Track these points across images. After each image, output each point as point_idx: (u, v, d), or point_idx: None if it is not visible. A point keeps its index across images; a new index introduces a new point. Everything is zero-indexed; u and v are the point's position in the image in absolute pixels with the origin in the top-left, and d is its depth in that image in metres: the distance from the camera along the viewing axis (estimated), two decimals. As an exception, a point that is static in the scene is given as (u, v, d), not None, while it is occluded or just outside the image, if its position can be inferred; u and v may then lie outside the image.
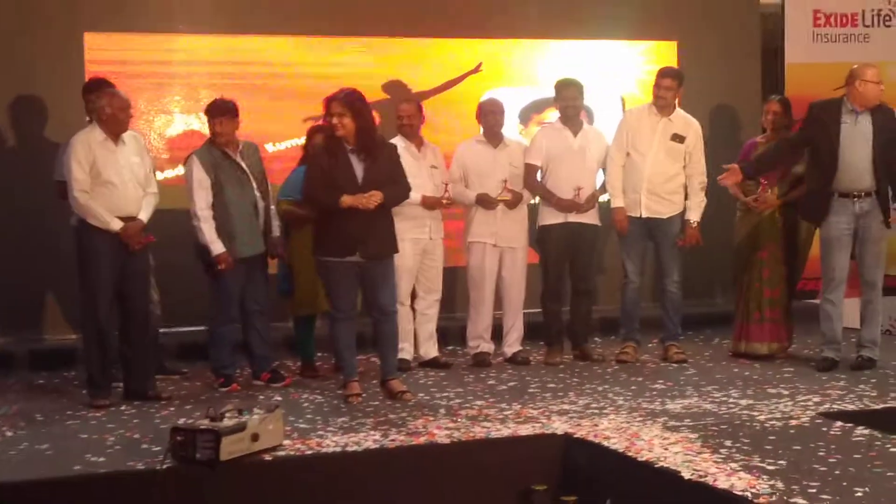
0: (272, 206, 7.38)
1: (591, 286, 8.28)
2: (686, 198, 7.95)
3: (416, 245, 7.73)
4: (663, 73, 8.04)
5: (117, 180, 6.69)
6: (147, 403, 6.74)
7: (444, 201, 7.77)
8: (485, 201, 7.85)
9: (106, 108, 6.72)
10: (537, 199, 8.11)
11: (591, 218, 7.99)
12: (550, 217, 7.96)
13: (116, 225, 6.66)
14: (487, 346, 8.04)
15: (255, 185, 7.22)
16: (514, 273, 8.01)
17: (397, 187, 6.77)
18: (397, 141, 7.59)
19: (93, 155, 6.65)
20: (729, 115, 9.84)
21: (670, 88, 7.92)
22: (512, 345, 8.08)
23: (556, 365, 7.86)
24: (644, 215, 7.89)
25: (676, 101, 8.06)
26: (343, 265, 6.62)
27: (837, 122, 7.30)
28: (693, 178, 7.93)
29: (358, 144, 6.63)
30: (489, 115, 7.97)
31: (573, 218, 7.91)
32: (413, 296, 7.92)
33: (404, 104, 7.96)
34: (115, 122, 6.73)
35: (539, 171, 8.00)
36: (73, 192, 6.65)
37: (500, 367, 7.88)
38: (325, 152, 6.70)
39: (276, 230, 7.40)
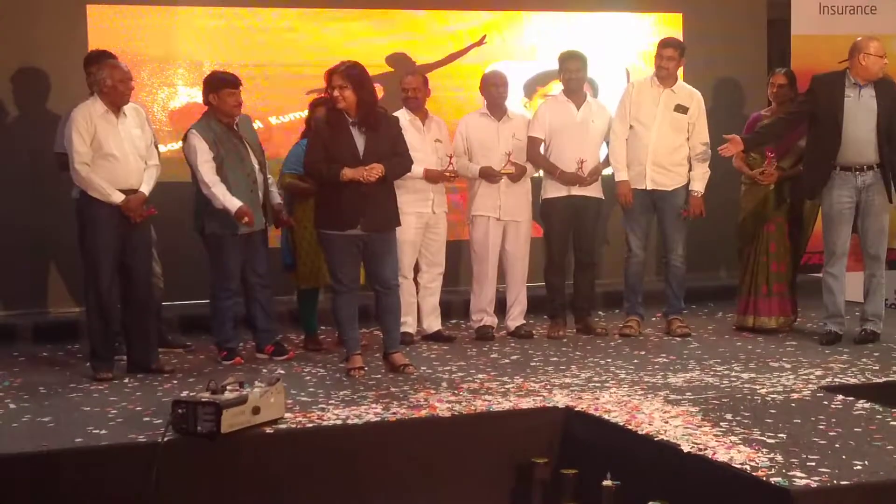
0: (269, 177, 7.34)
1: (595, 259, 8.27)
2: (690, 169, 7.92)
3: (420, 219, 7.72)
4: (665, 44, 8.00)
5: (118, 153, 6.67)
6: (149, 376, 6.75)
7: (448, 174, 7.75)
8: (488, 174, 7.83)
9: (107, 79, 6.67)
10: (541, 172, 8.08)
11: (594, 191, 7.97)
12: (554, 190, 7.94)
13: (118, 197, 6.65)
14: (490, 320, 8.03)
15: (253, 157, 7.19)
16: (518, 246, 8.00)
17: (399, 160, 6.75)
18: (402, 114, 7.56)
19: (94, 127, 6.62)
20: (734, 87, 9.79)
21: (672, 58, 7.86)
22: (515, 318, 8.08)
23: (558, 338, 7.86)
24: (649, 188, 7.86)
25: (679, 73, 8.02)
26: (344, 238, 6.61)
27: (841, 96, 7.28)
28: (697, 149, 7.90)
29: (359, 117, 6.61)
30: (492, 88, 7.93)
31: (576, 191, 7.89)
32: (416, 269, 7.92)
33: (409, 77, 7.91)
34: (116, 94, 6.69)
35: (542, 144, 7.97)
36: (75, 164, 6.63)
37: (502, 340, 7.88)
38: (327, 125, 6.68)
39: (277, 198, 7.38)
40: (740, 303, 8.09)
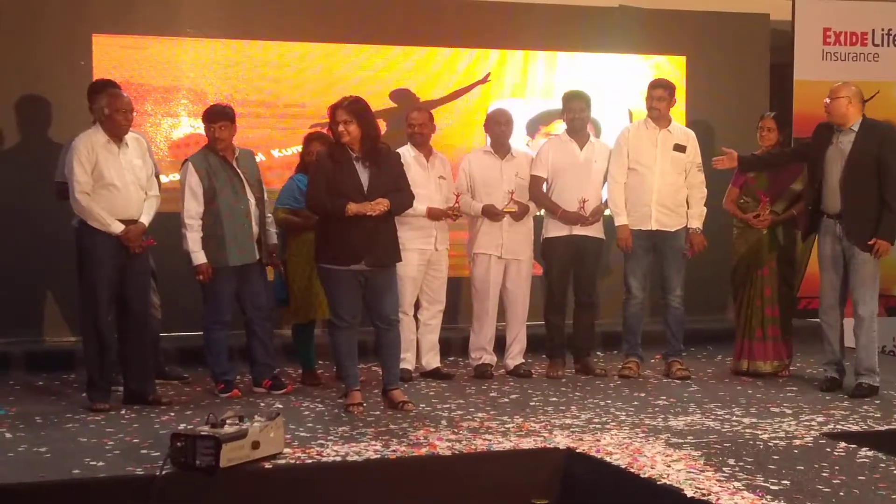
0: (269, 216, 7.33)
1: (595, 299, 8.22)
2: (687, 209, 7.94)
3: (422, 255, 7.69)
4: (654, 84, 8.02)
5: (119, 183, 6.65)
6: (147, 408, 6.70)
7: (452, 213, 7.72)
8: (491, 213, 7.81)
9: (105, 108, 6.66)
10: (542, 211, 8.07)
11: (595, 231, 7.95)
12: (555, 230, 7.93)
13: (117, 228, 6.63)
14: (489, 358, 7.99)
15: (250, 191, 7.17)
16: (519, 285, 7.97)
17: (402, 195, 6.74)
18: (406, 150, 7.56)
19: (95, 156, 6.61)
20: (736, 130, 9.74)
21: (662, 99, 7.88)
22: (514, 357, 8.03)
23: (557, 378, 7.82)
24: (654, 228, 7.84)
25: (681, 114, 8.02)
26: (346, 273, 6.58)
27: (827, 142, 7.22)
28: (694, 188, 7.93)
29: (363, 152, 6.60)
30: (497, 126, 7.93)
31: (577, 231, 7.87)
32: (416, 306, 7.88)
33: (415, 112, 7.90)
34: (114, 123, 6.66)
35: (545, 183, 7.96)
36: (75, 193, 6.60)
37: (501, 379, 7.84)
38: (330, 160, 6.65)
39: (273, 238, 7.37)
40: (736, 347, 8.04)
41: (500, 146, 7.92)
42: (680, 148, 7.89)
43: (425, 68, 9.60)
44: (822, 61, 9.45)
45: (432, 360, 7.92)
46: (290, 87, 9.26)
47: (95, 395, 6.71)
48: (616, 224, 7.90)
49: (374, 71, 9.42)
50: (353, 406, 6.64)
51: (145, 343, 6.95)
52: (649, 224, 7.84)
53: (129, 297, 6.80)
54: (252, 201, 7.17)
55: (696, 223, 7.93)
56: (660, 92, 7.90)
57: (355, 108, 6.59)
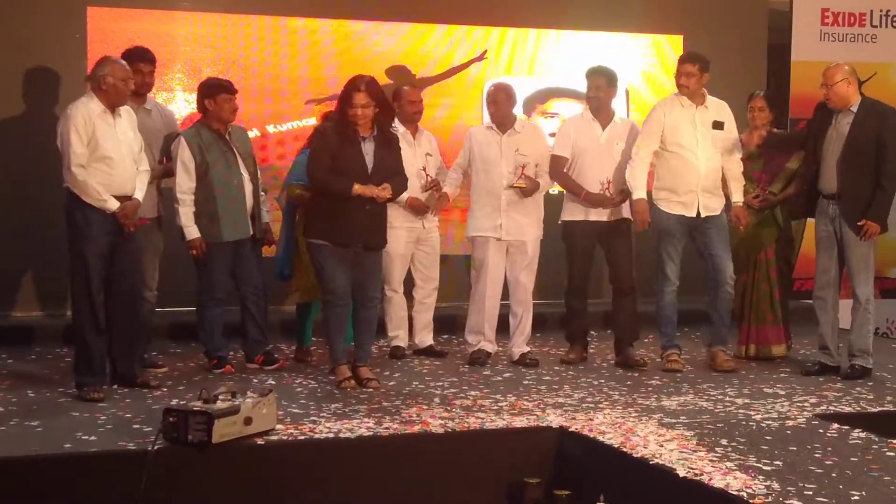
0: (262, 193, 7.28)
1: (634, 284, 7.67)
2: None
3: (411, 233, 7.68)
4: (683, 59, 7.58)
5: (115, 155, 6.32)
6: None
7: (430, 186, 7.60)
8: (444, 199, 7.66)
9: (108, 77, 6.32)
10: (557, 189, 7.81)
11: (618, 214, 7.54)
12: (571, 213, 7.59)
13: (113, 205, 6.29)
14: (488, 346, 7.68)
15: (243, 166, 7.12)
16: (522, 269, 7.59)
17: (400, 179, 6.77)
18: (396, 127, 7.50)
19: (92, 126, 6.26)
20: (734, 109, 9.64)
21: (692, 74, 7.33)
22: (519, 346, 7.64)
23: (572, 363, 7.59)
24: (703, 215, 7.39)
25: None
26: (341, 251, 6.59)
27: (827, 124, 7.14)
28: (733, 162, 7.53)
29: (372, 132, 6.59)
30: (490, 103, 7.74)
31: (595, 216, 7.49)
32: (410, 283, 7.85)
33: (413, 90, 7.82)
34: (117, 92, 6.34)
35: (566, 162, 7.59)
36: (71, 166, 6.22)
37: (495, 358, 7.74)
38: (336, 136, 6.58)
39: (266, 216, 7.31)
40: (740, 332, 7.91)
41: (499, 122, 7.63)
42: (718, 125, 7.45)
43: (421, 45, 9.57)
44: (820, 42, 9.42)
45: (426, 338, 7.89)
46: (285, 62, 9.23)
47: (88, 380, 6.32)
48: (634, 198, 7.35)
49: (370, 47, 9.40)
50: (344, 381, 6.64)
51: (134, 324, 6.67)
52: (695, 211, 7.38)
53: (117, 276, 6.46)
54: (246, 176, 7.12)
55: (739, 196, 7.53)
56: (689, 67, 7.36)
57: (374, 90, 6.55)
